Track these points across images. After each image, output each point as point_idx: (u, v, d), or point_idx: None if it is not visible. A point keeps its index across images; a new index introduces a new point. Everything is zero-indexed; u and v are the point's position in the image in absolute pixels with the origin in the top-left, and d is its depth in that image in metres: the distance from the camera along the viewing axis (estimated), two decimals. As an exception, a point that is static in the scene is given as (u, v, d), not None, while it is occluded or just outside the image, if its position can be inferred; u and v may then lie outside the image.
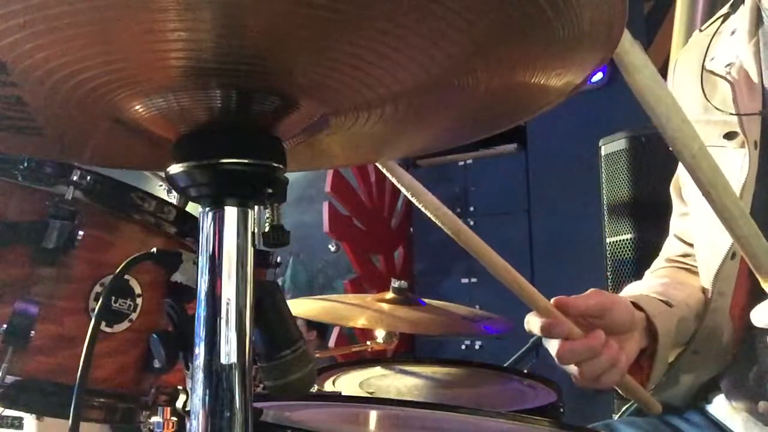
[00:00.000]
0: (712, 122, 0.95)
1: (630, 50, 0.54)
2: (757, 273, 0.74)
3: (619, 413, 1.09)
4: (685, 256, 1.11)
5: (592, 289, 0.89)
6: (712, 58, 0.98)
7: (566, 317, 0.82)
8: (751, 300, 0.96)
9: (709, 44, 0.98)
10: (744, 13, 0.98)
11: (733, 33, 0.98)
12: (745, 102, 0.92)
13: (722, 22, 1.00)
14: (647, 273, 1.15)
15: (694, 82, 0.97)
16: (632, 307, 0.90)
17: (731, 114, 0.91)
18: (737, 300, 0.96)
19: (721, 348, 0.97)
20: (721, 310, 0.96)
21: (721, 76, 0.94)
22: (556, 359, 0.84)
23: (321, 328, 2.96)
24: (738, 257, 0.93)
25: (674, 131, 0.61)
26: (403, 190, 0.74)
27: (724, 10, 1.01)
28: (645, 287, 1.02)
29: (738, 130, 0.92)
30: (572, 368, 0.85)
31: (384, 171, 0.73)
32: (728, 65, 0.95)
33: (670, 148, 0.64)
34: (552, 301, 0.83)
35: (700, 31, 1.07)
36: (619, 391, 0.91)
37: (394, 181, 0.73)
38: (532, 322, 0.83)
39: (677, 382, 1.02)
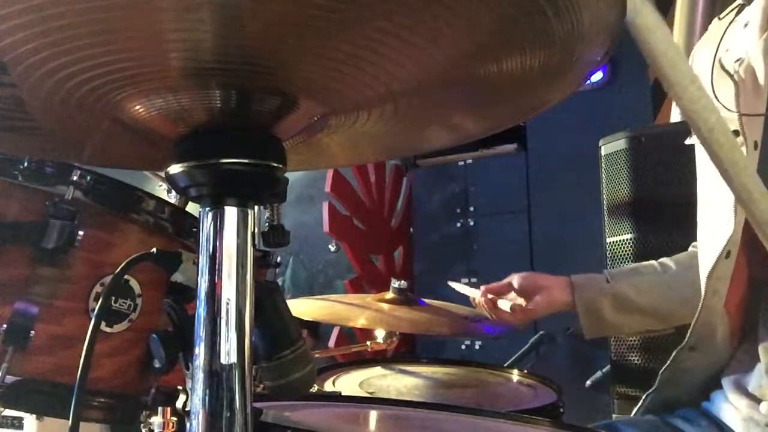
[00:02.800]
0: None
1: (641, 10, 0.48)
2: None
3: (633, 412, 1.09)
4: None
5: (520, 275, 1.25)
6: (727, 50, 0.96)
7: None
8: (747, 296, 0.96)
9: (724, 34, 0.96)
10: (757, 6, 0.95)
11: (746, 25, 0.96)
12: (748, 101, 0.91)
13: (737, 12, 0.98)
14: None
15: (709, 73, 0.95)
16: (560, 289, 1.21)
17: (729, 110, 0.90)
18: (733, 296, 0.96)
19: (717, 344, 0.98)
20: (715, 308, 0.96)
21: (728, 74, 0.93)
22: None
23: (313, 327, 2.96)
24: (733, 257, 0.93)
25: (690, 101, 0.55)
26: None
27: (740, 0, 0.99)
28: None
29: (739, 128, 0.91)
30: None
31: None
32: (737, 61, 0.93)
33: (686, 125, 0.59)
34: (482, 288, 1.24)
35: (719, 19, 1.05)
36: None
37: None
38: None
39: (677, 381, 1.02)
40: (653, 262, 1.22)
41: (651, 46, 0.52)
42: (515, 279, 1.25)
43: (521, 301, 1.23)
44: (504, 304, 1.21)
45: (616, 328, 1.26)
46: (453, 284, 1.40)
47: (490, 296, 1.24)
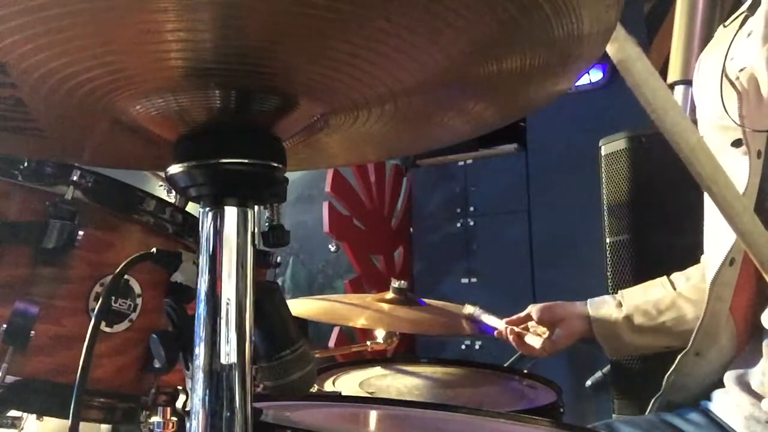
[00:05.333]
0: (726, 128, 0.94)
1: (624, 44, 0.53)
2: (763, 270, 0.73)
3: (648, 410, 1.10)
4: None
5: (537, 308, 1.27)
6: (732, 58, 0.96)
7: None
8: (754, 302, 0.97)
9: (731, 42, 0.95)
10: (761, 16, 0.94)
11: (749, 35, 0.95)
12: (751, 111, 0.91)
13: (742, 23, 0.98)
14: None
15: (714, 82, 0.95)
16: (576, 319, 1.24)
17: (736, 124, 0.91)
18: (740, 302, 0.96)
19: (722, 349, 0.98)
20: (720, 314, 0.96)
21: (732, 84, 0.93)
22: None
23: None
24: (737, 264, 0.93)
25: (672, 124, 0.60)
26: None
27: (744, 9, 0.99)
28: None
29: (742, 137, 0.91)
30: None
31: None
32: (741, 70, 0.93)
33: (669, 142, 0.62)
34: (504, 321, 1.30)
35: (724, 26, 1.05)
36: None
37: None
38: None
39: (683, 385, 1.03)
40: (663, 278, 1.23)
41: (634, 75, 0.55)
42: (534, 311, 1.28)
43: (543, 329, 1.27)
44: (534, 341, 1.25)
45: (637, 348, 1.29)
46: (471, 309, 1.41)
47: (517, 330, 1.28)
